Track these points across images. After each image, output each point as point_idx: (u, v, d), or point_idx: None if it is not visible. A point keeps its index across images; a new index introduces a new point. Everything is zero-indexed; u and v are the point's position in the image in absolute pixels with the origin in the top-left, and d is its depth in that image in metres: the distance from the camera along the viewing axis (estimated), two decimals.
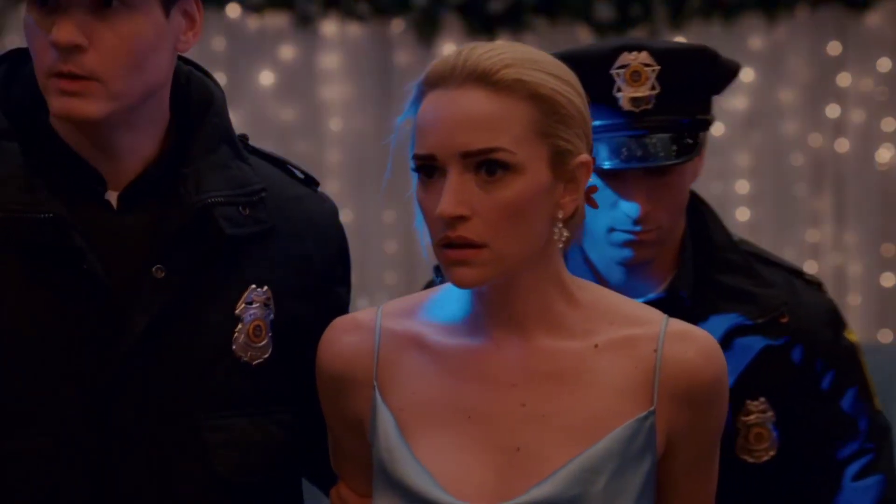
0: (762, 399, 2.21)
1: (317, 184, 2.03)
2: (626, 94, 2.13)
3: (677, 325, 1.77)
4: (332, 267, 1.98)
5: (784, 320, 2.21)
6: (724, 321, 2.19)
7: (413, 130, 1.73)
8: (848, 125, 5.72)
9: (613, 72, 2.12)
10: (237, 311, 1.87)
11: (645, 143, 2.13)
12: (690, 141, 2.15)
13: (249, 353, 1.87)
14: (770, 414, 2.22)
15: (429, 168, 1.69)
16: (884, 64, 5.82)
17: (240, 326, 1.86)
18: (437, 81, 1.71)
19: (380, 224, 5.71)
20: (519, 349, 1.75)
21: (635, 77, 2.11)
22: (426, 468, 1.71)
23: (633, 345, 1.75)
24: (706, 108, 2.20)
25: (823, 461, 2.25)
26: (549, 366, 1.74)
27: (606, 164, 2.12)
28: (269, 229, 1.90)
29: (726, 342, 2.17)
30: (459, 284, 1.70)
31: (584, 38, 5.66)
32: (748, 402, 2.21)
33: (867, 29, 5.71)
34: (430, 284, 2.30)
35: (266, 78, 5.62)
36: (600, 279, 2.22)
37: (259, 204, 1.89)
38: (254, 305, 1.88)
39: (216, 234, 1.84)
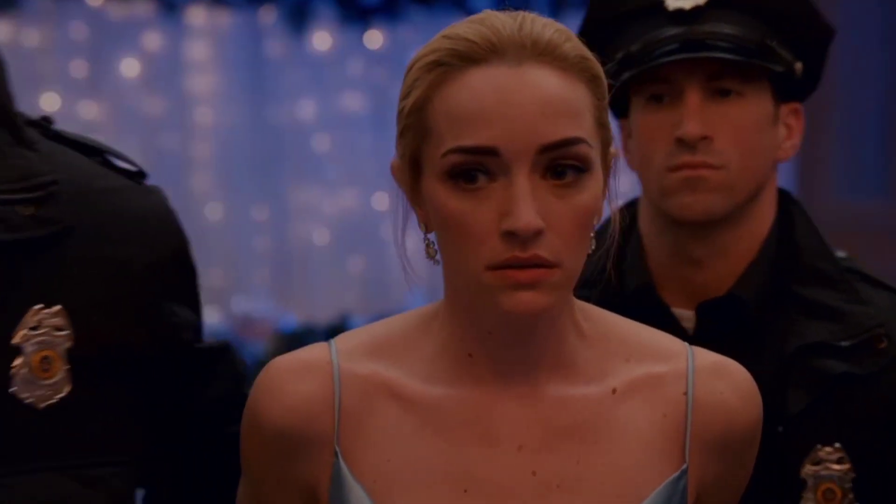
0: (837, 445, 1.72)
1: (143, 176, 1.60)
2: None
3: (705, 356, 1.45)
4: (160, 276, 1.55)
5: (882, 346, 1.73)
6: (798, 338, 1.73)
7: (411, 119, 1.35)
8: None
9: None
10: (14, 340, 1.45)
11: (700, 39, 1.73)
12: (759, 60, 1.75)
13: (37, 393, 1.45)
14: (847, 467, 1.72)
15: (474, 169, 1.32)
16: None
17: (19, 360, 1.45)
18: (483, 55, 1.33)
19: (250, 220, 5.55)
20: (523, 400, 1.40)
21: None
22: None
23: (657, 386, 1.42)
24: (783, 42, 1.79)
25: None
26: (562, 420, 1.40)
27: (657, 61, 1.74)
28: (64, 231, 1.49)
29: (798, 362, 1.72)
30: (521, 312, 1.33)
31: None
32: (819, 447, 1.72)
33: None
34: None
35: (130, 68, 5.44)
36: (658, 274, 1.80)
37: (48, 200, 1.48)
38: (39, 331, 1.46)
39: None
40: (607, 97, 1.38)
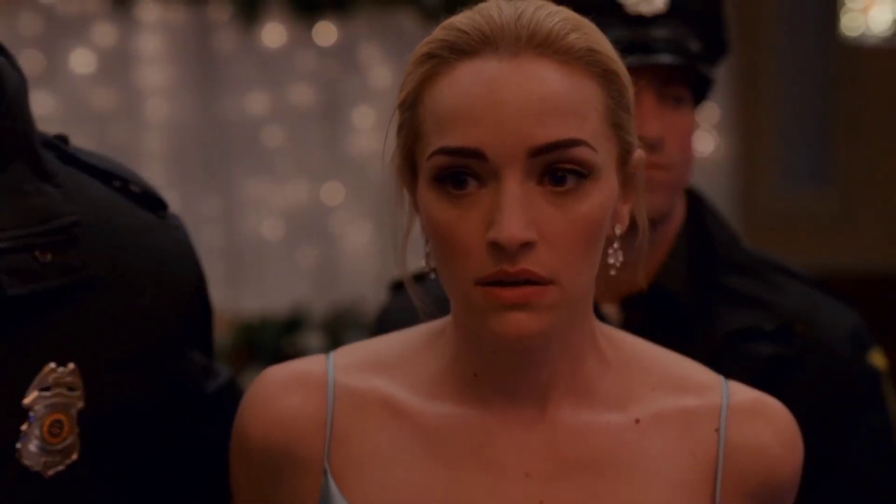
0: None
1: (164, 206, 1.44)
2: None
3: (742, 392, 1.31)
4: (182, 323, 1.41)
5: (799, 329, 1.79)
6: (724, 325, 1.77)
7: (407, 117, 1.24)
8: None
9: None
10: (26, 401, 1.28)
11: (649, 45, 1.72)
12: (704, 68, 1.76)
13: (43, 460, 1.28)
14: None
15: (461, 173, 1.19)
16: None
17: (27, 425, 1.27)
18: (475, 46, 1.20)
19: (202, 213, 5.47)
20: (532, 426, 1.26)
21: None
22: None
23: (687, 421, 1.28)
24: (712, 47, 1.81)
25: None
26: (576, 449, 1.26)
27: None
28: (87, 279, 1.33)
29: (728, 347, 1.75)
30: (514, 337, 1.18)
31: (411, 23, 5.50)
32: None
33: None
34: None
35: (82, 62, 5.35)
36: None
37: (69, 245, 1.32)
38: (51, 392, 1.29)
39: None
40: (628, 95, 1.26)
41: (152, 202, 1.44)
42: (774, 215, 6.16)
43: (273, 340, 5.21)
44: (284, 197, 5.53)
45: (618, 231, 1.27)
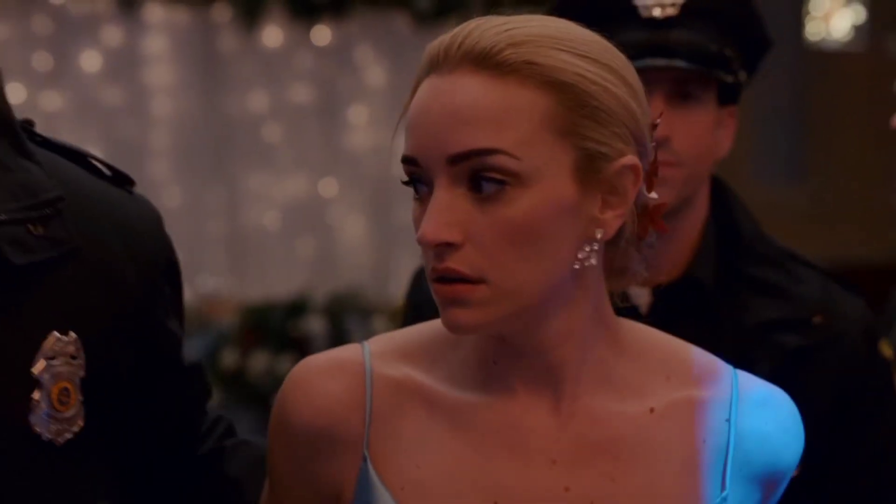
0: None
1: (131, 183, 1.46)
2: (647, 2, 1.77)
3: (750, 383, 1.37)
4: (155, 292, 1.42)
5: (818, 320, 1.82)
6: (754, 315, 1.80)
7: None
8: None
9: None
10: (35, 371, 1.30)
11: (666, 46, 1.75)
12: (718, 70, 1.78)
13: (54, 428, 1.30)
14: None
15: (415, 178, 1.26)
16: None
17: (39, 392, 1.29)
18: (430, 66, 1.27)
19: (206, 205, 5.58)
20: (553, 412, 1.31)
21: None
22: None
23: (698, 410, 1.33)
24: (735, 52, 1.81)
25: (843, 494, 1.84)
26: (596, 436, 1.31)
27: None
28: (72, 251, 1.34)
29: (757, 337, 1.79)
30: (452, 329, 1.25)
31: (404, 26, 5.61)
32: None
33: None
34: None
35: (91, 61, 5.43)
36: None
37: (56, 218, 1.33)
38: (57, 361, 1.31)
39: None
40: (598, 104, 1.26)
41: (121, 180, 1.46)
42: (751, 208, 6.31)
43: (278, 324, 5.29)
44: (284, 190, 5.63)
45: (598, 235, 1.28)
